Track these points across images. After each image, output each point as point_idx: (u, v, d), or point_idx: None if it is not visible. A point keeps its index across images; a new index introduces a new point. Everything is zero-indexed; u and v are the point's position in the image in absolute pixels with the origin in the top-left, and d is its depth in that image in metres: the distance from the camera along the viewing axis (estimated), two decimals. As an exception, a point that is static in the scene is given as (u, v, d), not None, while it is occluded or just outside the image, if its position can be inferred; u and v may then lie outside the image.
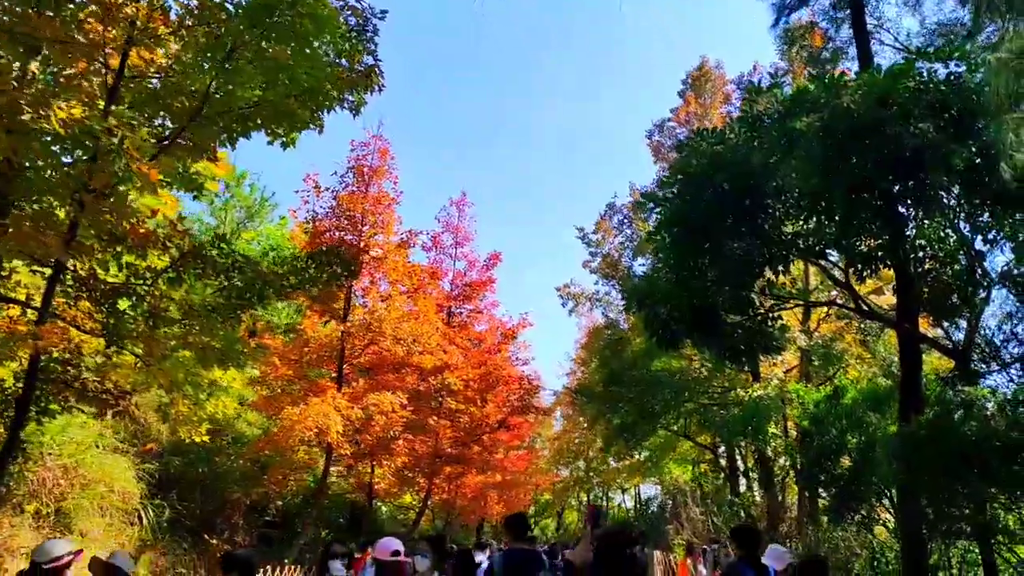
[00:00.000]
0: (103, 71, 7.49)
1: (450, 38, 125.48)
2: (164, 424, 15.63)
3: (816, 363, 21.36)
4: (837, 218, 10.59)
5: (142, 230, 7.95)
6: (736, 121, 10.67)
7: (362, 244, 18.19)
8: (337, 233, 18.06)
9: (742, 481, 27.57)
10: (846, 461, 13.36)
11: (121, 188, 7.68)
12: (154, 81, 8.01)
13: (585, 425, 38.76)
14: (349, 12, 9.58)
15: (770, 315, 11.97)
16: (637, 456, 33.62)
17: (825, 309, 23.45)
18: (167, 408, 10.43)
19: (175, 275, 7.99)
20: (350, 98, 10.19)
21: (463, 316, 26.29)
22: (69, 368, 8.42)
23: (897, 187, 8.81)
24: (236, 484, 16.49)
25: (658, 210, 10.92)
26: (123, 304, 8.19)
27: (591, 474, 48.20)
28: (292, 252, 9.82)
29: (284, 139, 10.54)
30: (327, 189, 18.42)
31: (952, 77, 8.89)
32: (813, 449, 14.22)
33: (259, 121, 8.11)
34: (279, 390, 16.91)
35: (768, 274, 11.84)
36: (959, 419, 9.27)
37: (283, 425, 15.50)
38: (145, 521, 13.03)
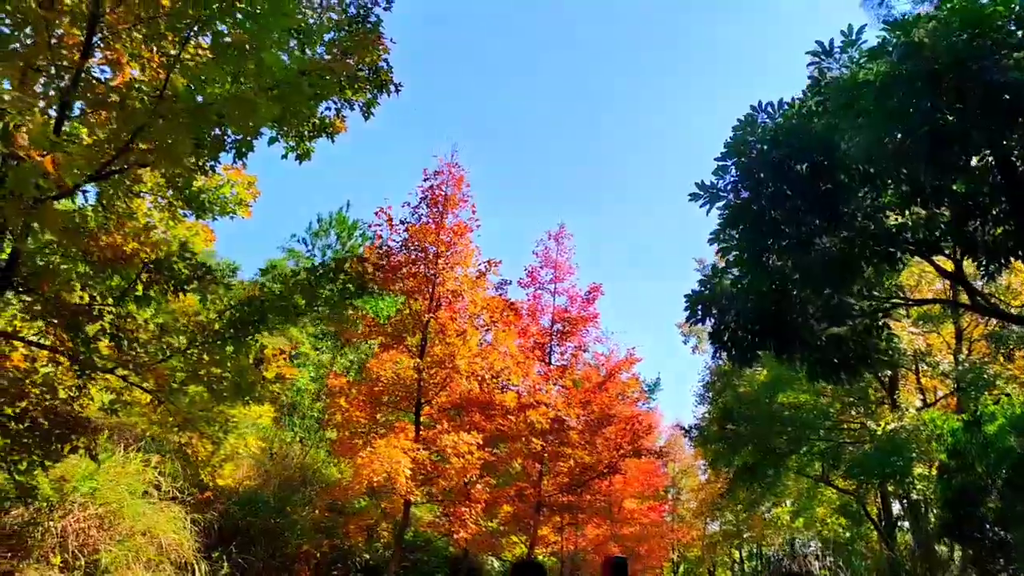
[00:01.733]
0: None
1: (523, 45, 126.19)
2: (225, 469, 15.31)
3: (969, 390, 18.59)
4: (947, 201, 8.80)
5: (103, 243, 7.36)
6: (807, 92, 9.09)
7: (439, 278, 17.48)
8: (411, 267, 17.44)
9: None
10: (993, 502, 11.10)
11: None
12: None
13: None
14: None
15: (874, 322, 10.12)
16: (776, 505, 30.81)
17: (975, 326, 20.59)
18: (185, 449, 9.77)
19: (140, 292, 7.33)
20: (358, 100, 9.52)
21: (565, 354, 24.99)
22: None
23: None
24: (306, 535, 15.85)
25: (720, 204, 9.43)
26: (91, 329, 7.61)
27: (740, 528, 44.81)
28: (292, 270, 9.09)
29: (297, 150, 10.07)
30: (401, 222, 17.92)
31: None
32: (952, 488, 11.97)
33: (229, 118, 7.33)
34: (347, 433, 16.25)
35: (868, 273, 10.07)
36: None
37: (354, 471, 14.80)
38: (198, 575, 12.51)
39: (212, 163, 9.13)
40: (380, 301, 24.06)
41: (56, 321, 7.28)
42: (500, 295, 24.18)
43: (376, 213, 18.17)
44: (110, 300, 7.45)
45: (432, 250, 17.72)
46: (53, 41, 6.91)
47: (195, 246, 11.74)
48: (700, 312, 9.49)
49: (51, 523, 10.30)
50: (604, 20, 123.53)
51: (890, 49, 7.08)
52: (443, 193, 18.24)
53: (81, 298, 7.44)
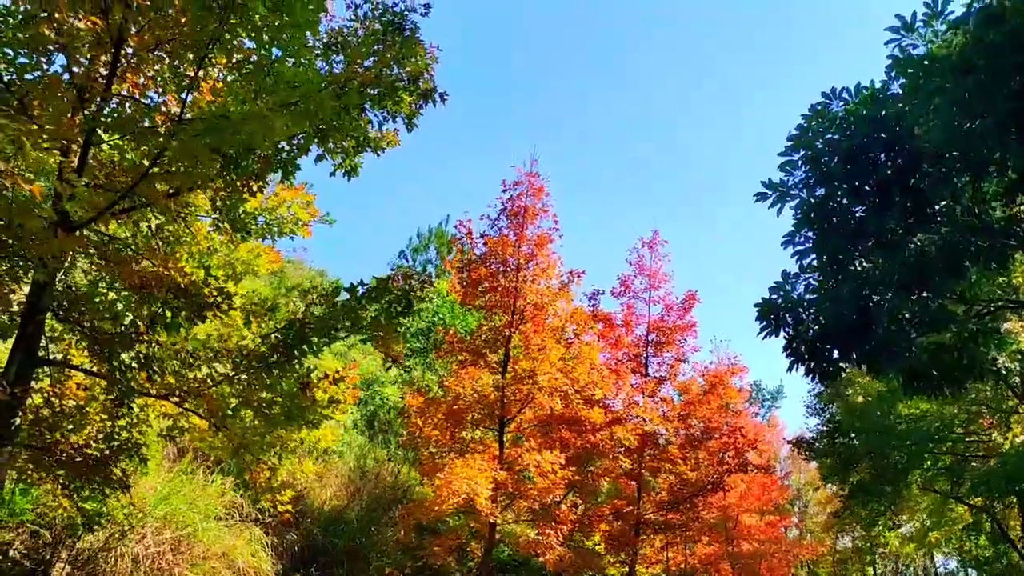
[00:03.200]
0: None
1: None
2: (312, 491, 15.33)
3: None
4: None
5: (136, 267, 7.28)
6: (887, 73, 8.14)
7: (520, 291, 17.06)
8: (491, 281, 17.10)
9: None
10: None
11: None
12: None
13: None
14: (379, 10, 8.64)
15: (980, 328, 9.00)
16: (894, 526, 28.67)
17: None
18: (244, 475, 9.69)
19: (169, 318, 7.21)
20: (400, 112, 9.22)
21: (663, 365, 24.01)
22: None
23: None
24: (391, 556, 15.67)
25: (792, 203, 8.58)
26: (126, 357, 7.57)
27: (872, 543, 42.13)
28: (329, 288, 8.86)
29: (344, 166, 9.87)
30: (480, 235, 17.62)
31: None
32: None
33: (246, 135, 7.13)
34: (426, 452, 16.00)
35: (972, 274, 8.97)
36: None
37: (434, 491, 14.54)
38: (275, 598, 12.50)
39: (260, 184, 9.04)
40: (468, 316, 23.92)
41: (95, 348, 7.26)
42: (593, 306, 23.65)
43: (456, 226, 17.98)
44: (142, 327, 7.38)
45: (512, 262, 17.30)
46: (76, 70, 6.92)
47: (258, 268, 11.83)
48: (773, 322, 8.64)
49: (124, 548, 10.43)
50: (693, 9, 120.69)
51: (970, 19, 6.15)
52: (523, 204, 17.80)
53: (116, 325, 7.39)
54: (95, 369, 8.06)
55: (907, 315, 9.09)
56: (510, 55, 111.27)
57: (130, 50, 7.05)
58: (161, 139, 6.53)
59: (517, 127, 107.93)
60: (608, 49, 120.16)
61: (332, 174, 9.74)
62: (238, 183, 8.35)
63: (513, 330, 16.90)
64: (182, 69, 6.97)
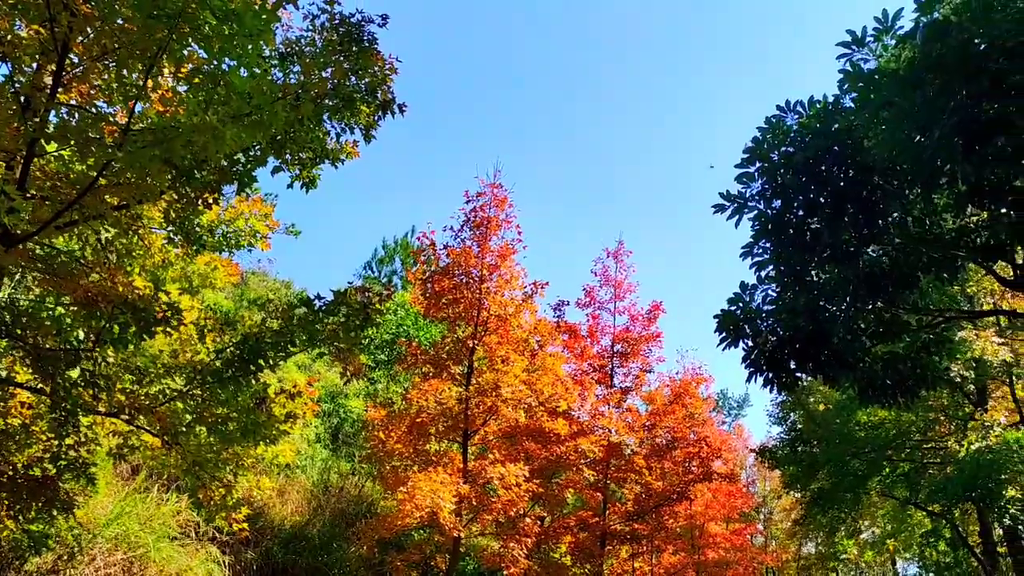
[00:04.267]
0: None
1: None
2: (272, 507, 15.07)
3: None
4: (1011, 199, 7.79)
5: (83, 282, 7.08)
6: (841, 85, 8.21)
7: (484, 302, 16.97)
8: (454, 293, 17.00)
9: None
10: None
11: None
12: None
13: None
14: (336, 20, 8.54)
15: (933, 337, 9.09)
16: (855, 532, 28.94)
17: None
18: (197, 493, 9.48)
19: (116, 334, 7.01)
20: (358, 124, 9.12)
21: (628, 376, 24.05)
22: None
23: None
24: (352, 573, 15.45)
25: (750, 215, 8.62)
26: (73, 374, 7.37)
27: (834, 551, 42.49)
28: (288, 301, 8.73)
29: (301, 178, 9.73)
30: (444, 247, 17.51)
31: None
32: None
33: (196, 146, 6.98)
34: (388, 466, 15.80)
35: (924, 284, 9.07)
36: None
37: (396, 506, 14.35)
38: (233, 618, 12.24)
39: (215, 196, 8.87)
40: (432, 328, 23.76)
41: (38, 365, 7.04)
42: (558, 317, 23.64)
43: (419, 238, 17.86)
44: (89, 343, 7.18)
45: (476, 274, 17.22)
46: (20, 79, 6.74)
47: (216, 281, 11.64)
48: (732, 333, 8.66)
49: (73, 571, 10.13)
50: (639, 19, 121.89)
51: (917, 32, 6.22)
52: (486, 215, 17.74)
53: (61, 341, 7.18)
54: (39, 386, 7.84)
55: (862, 325, 9.18)
56: (474, 64, 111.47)
57: (75, 59, 6.88)
58: (108, 150, 6.37)
59: (482, 137, 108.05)
60: (573, 60, 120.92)
61: (290, 186, 9.59)
62: (191, 195, 8.19)
63: (477, 342, 16.83)
64: (130, 78, 6.80)
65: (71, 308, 7.49)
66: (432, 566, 18.13)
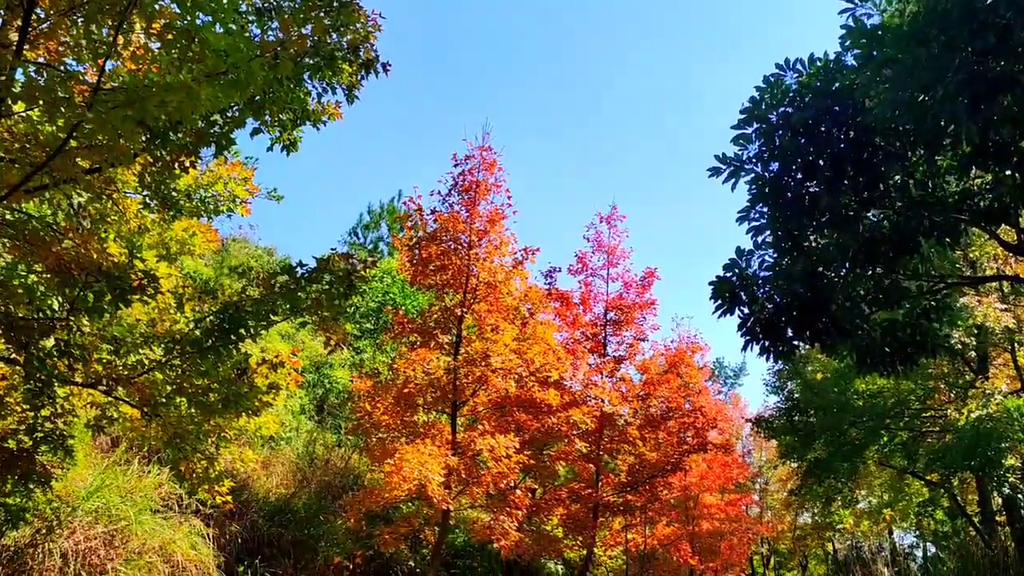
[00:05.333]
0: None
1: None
2: (256, 480, 15.15)
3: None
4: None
5: (56, 249, 7.01)
6: (843, 42, 8.15)
7: (473, 269, 16.94)
8: (442, 259, 16.95)
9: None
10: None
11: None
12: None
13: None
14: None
15: (933, 304, 9.14)
16: (852, 502, 29.35)
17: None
18: (179, 466, 9.51)
19: (91, 303, 6.97)
20: (341, 83, 9.02)
21: (622, 344, 24.12)
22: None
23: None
24: (339, 545, 15.59)
25: (746, 178, 8.59)
26: (47, 343, 7.34)
27: (830, 521, 43.13)
28: (269, 269, 8.71)
29: (282, 140, 9.65)
30: (431, 212, 17.42)
31: None
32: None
33: (169, 106, 6.86)
34: (374, 438, 15.89)
35: (925, 249, 9.09)
36: None
37: (386, 477, 14.44)
38: (218, 593, 12.35)
39: (192, 159, 8.78)
40: (419, 296, 23.75)
41: (11, 335, 7.01)
42: (549, 284, 23.62)
43: (405, 203, 17.75)
44: (63, 312, 7.15)
45: (464, 240, 17.16)
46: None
47: (194, 247, 11.57)
48: (728, 300, 8.68)
49: (52, 544, 10.18)
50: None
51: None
52: (475, 179, 17.62)
53: (33, 310, 7.14)
54: (12, 357, 7.81)
55: (861, 291, 9.21)
56: (461, 23, 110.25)
57: (42, 13, 6.76)
58: (78, 110, 6.27)
59: (470, 100, 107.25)
60: (564, 19, 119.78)
61: (270, 149, 9.50)
62: (167, 158, 8.11)
63: (465, 310, 16.82)
64: (99, 34, 6.69)
65: (44, 276, 7.45)
66: (421, 539, 18.31)
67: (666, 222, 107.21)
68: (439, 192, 17.67)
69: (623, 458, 22.59)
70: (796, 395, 20.58)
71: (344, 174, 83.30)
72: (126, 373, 8.47)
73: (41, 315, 7.09)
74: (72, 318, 7.21)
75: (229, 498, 9.81)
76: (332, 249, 8.97)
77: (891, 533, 43.71)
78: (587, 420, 18.35)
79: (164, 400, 8.82)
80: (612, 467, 22.99)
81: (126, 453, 12.84)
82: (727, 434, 38.28)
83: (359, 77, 9.10)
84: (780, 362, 10.93)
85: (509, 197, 17.89)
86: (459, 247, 17.18)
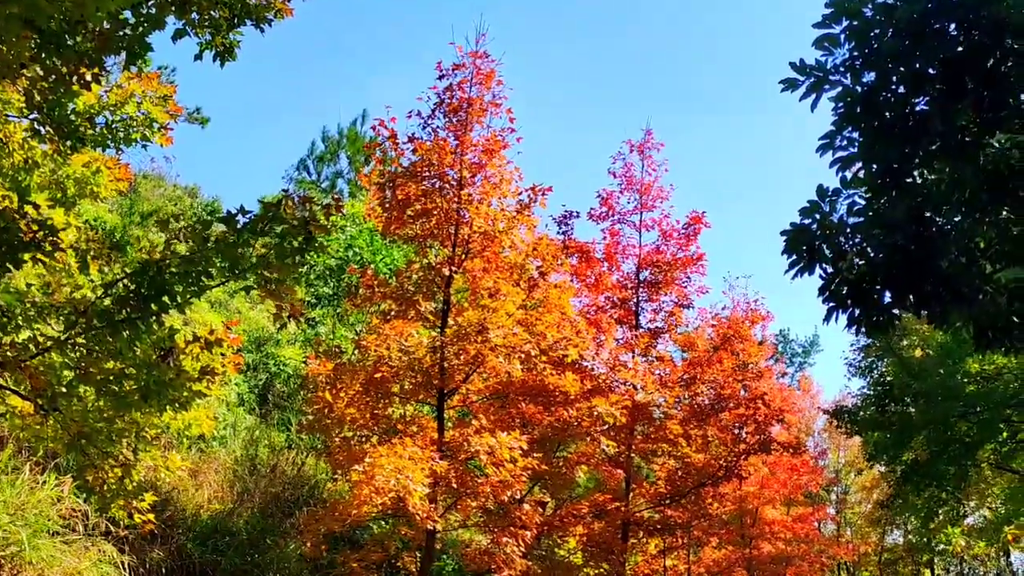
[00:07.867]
0: None
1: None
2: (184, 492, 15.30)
3: None
4: None
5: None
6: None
7: (464, 215, 16.97)
8: (424, 202, 16.94)
9: None
10: None
11: None
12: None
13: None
14: None
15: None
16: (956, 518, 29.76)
17: None
18: (85, 475, 9.66)
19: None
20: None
21: (659, 313, 24.25)
22: None
23: None
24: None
25: (831, 93, 8.58)
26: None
27: (928, 540, 43.71)
28: (198, 217, 8.73)
29: (213, 46, 9.65)
30: (409, 140, 17.35)
31: None
32: None
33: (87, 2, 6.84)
34: (338, 438, 16.05)
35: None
36: None
37: (353, 488, 14.62)
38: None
39: (96, 71, 8.78)
40: (394, 250, 23.83)
41: None
42: (564, 233, 23.66)
43: (375, 127, 17.67)
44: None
45: (453, 176, 17.16)
46: None
47: (99, 188, 11.61)
48: (806, 255, 8.70)
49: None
50: None
51: None
52: (466, 96, 17.55)
53: None
54: None
55: (981, 243, 9.26)
56: None
57: None
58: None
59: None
60: None
61: (198, 56, 9.56)
62: (63, 70, 8.15)
63: (455, 268, 16.84)
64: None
65: None
66: (398, 568, 18.61)
67: (719, 153, 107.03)
68: (419, 113, 17.61)
69: (661, 461, 22.89)
70: (888, 378, 20.75)
71: (290, 89, 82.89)
72: (13, 354, 8.53)
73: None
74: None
75: (150, 516, 9.97)
76: (283, 190, 8.98)
77: (1007, 555, 44.26)
78: (615, 412, 18.45)
79: (64, 389, 8.92)
80: (647, 473, 23.29)
81: (13, 459, 12.97)
82: (795, 429, 38.72)
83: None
84: (872, 336, 10.94)
85: (512, 120, 17.83)
86: (446, 186, 17.18)
